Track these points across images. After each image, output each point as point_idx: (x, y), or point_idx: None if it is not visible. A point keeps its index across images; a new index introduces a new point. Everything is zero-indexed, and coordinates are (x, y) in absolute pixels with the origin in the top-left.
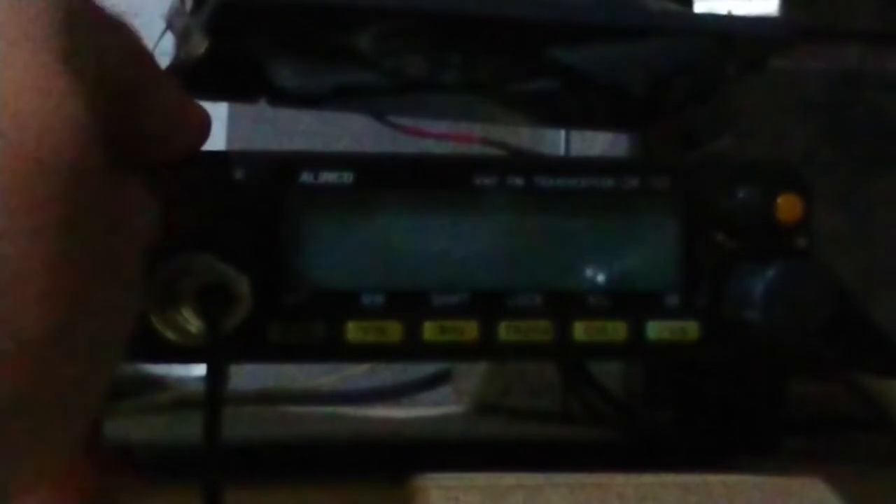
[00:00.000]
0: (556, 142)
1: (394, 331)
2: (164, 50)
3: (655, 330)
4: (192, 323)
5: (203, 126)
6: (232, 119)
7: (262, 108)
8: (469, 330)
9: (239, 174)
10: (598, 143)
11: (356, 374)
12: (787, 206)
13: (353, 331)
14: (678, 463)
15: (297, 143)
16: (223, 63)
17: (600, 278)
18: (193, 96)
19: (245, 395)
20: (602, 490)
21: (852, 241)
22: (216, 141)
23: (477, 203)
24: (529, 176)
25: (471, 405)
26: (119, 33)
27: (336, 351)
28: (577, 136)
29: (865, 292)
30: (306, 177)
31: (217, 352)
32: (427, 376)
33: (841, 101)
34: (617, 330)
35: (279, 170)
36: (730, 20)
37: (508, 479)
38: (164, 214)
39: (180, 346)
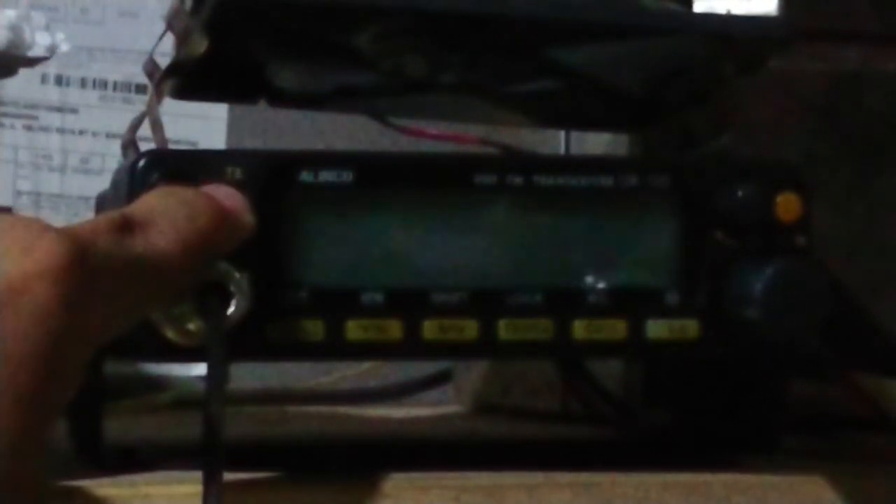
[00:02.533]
0: (556, 142)
1: (393, 329)
2: (163, 50)
3: (655, 328)
4: (192, 322)
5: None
6: (232, 119)
7: (262, 107)
8: (469, 328)
9: (238, 173)
10: (598, 143)
11: (356, 374)
12: (787, 205)
13: (353, 329)
14: (678, 463)
15: (296, 143)
16: (223, 63)
17: (600, 277)
18: (193, 96)
19: (245, 395)
20: (602, 490)
21: (853, 241)
22: (216, 140)
23: (476, 202)
24: (529, 175)
25: (471, 405)
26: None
27: (336, 350)
28: (576, 136)
29: (866, 293)
30: (306, 176)
31: (217, 351)
32: (427, 376)
33: (840, 101)
34: (616, 328)
35: (279, 169)
36: (729, 20)
37: (509, 478)
38: None
39: (180, 345)
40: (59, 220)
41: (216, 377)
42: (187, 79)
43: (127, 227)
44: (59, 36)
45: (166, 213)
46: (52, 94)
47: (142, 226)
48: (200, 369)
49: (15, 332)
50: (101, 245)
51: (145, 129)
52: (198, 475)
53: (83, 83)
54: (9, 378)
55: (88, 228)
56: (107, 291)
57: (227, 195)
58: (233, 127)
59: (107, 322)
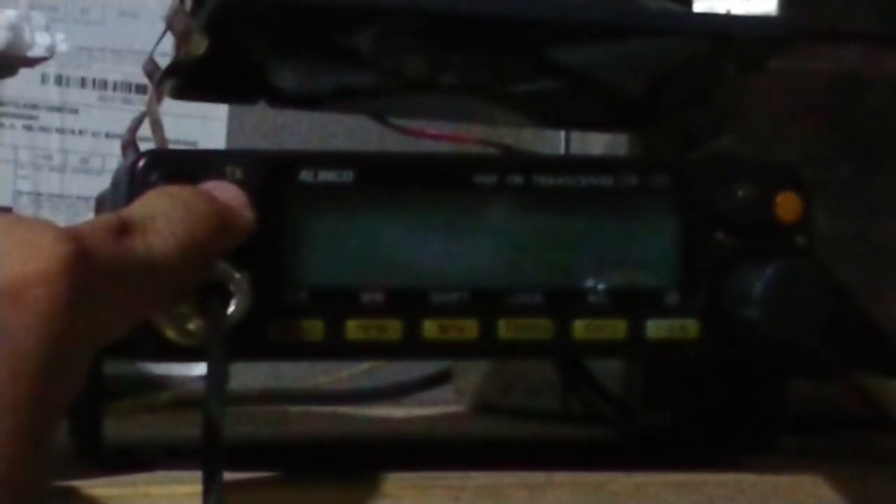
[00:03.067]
0: (556, 142)
1: (393, 329)
2: (163, 50)
3: (655, 328)
4: (193, 322)
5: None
6: (232, 119)
7: (262, 107)
8: (469, 328)
9: (238, 173)
10: (598, 143)
11: (356, 374)
12: (787, 205)
13: (353, 329)
14: (678, 463)
15: (296, 143)
16: (223, 64)
17: (600, 277)
18: (193, 96)
19: (245, 395)
20: (602, 489)
21: (853, 241)
22: (216, 140)
23: (476, 202)
24: (529, 175)
25: (471, 405)
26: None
27: (336, 349)
28: (576, 136)
29: (866, 293)
30: (306, 175)
31: (217, 351)
32: (427, 376)
33: (840, 101)
34: (616, 328)
35: (279, 169)
36: (729, 20)
37: (508, 477)
38: None
39: (180, 345)
40: (59, 221)
41: (216, 377)
42: (187, 79)
43: (124, 229)
44: (59, 36)
45: (163, 214)
46: (52, 94)
47: (139, 228)
48: (200, 369)
49: (17, 332)
50: (99, 247)
51: (145, 129)
52: (198, 475)
53: (83, 83)
54: (11, 378)
55: (86, 230)
56: (106, 293)
57: (226, 192)
58: (233, 127)
59: (107, 323)
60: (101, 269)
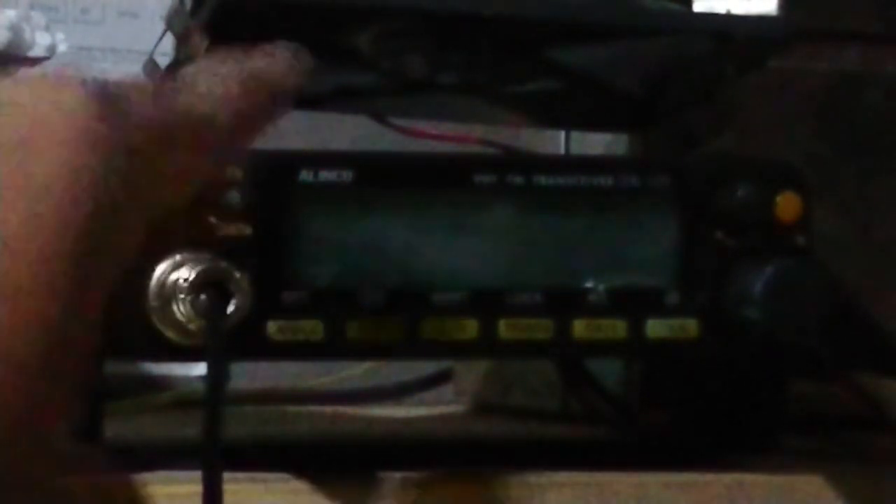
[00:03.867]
0: (556, 142)
1: (393, 329)
2: (163, 50)
3: (655, 328)
4: (192, 321)
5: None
6: None
7: None
8: (469, 328)
9: (238, 173)
10: (598, 143)
11: (356, 374)
12: (787, 205)
13: (353, 329)
14: (678, 463)
15: (296, 143)
16: None
17: (600, 276)
18: None
19: (245, 395)
20: (602, 489)
21: (853, 241)
22: None
23: (476, 201)
24: (529, 175)
25: (471, 405)
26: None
27: (336, 349)
28: (576, 136)
29: (866, 293)
30: (306, 175)
31: (217, 350)
32: (427, 376)
33: (840, 101)
34: (616, 328)
35: (279, 169)
36: (729, 20)
37: (509, 478)
38: None
39: (180, 344)
40: None
41: (216, 377)
42: None
43: (163, 89)
44: (59, 36)
45: (206, 77)
46: None
47: (182, 87)
48: (200, 369)
49: (51, 167)
50: (134, 98)
51: None
52: (198, 475)
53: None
54: (55, 237)
55: (119, 83)
56: (145, 150)
57: (272, 56)
58: None
59: (155, 186)
60: (136, 122)
